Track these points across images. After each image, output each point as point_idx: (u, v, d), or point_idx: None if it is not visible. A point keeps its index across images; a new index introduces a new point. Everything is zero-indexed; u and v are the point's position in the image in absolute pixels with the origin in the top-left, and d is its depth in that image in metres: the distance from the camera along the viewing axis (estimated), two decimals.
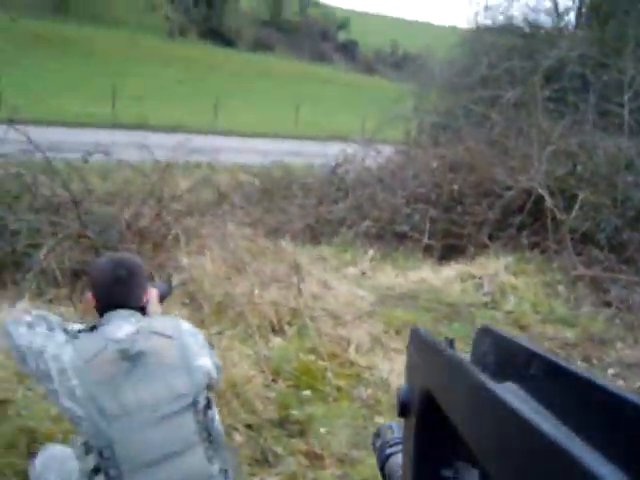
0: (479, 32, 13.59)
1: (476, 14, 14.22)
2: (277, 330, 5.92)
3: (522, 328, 7.02)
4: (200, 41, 32.37)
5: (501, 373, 0.46)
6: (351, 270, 7.78)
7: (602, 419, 0.34)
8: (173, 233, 6.68)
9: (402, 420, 0.58)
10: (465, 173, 9.52)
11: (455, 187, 9.38)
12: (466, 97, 11.17)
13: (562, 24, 13.21)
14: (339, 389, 4.95)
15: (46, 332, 2.43)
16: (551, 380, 0.41)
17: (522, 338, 0.49)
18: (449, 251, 9.01)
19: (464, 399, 0.42)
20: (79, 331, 2.50)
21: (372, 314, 6.53)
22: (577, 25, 12.78)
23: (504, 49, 11.99)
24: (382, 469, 0.74)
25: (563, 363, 0.41)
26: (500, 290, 7.86)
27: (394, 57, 41.58)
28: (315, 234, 9.23)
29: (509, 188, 9.05)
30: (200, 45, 31.81)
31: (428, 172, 9.67)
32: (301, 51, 36.69)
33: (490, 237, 8.98)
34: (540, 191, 8.71)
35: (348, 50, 40.46)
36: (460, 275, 8.17)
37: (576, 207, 8.69)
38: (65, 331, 2.46)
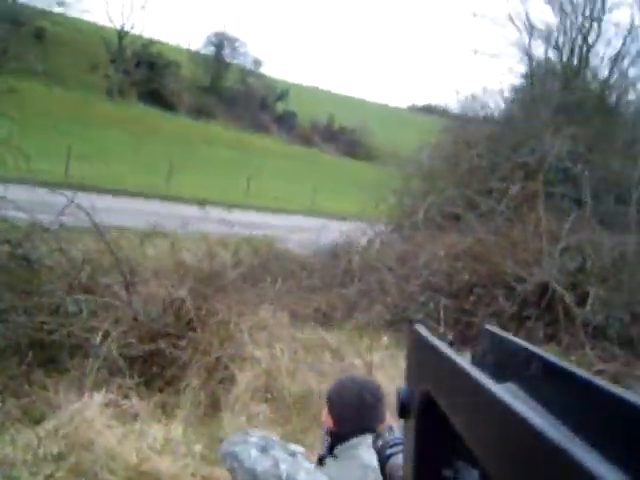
0: (462, 121, 13.97)
1: (460, 102, 14.53)
2: None
3: None
4: (140, 103, 32.18)
5: (501, 373, 0.46)
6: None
7: (602, 419, 0.35)
8: (232, 320, 6.46)
9: (402, 421, 0.58)
10: (476, 263, 9.63)
11: (466, 277, 9.46)
12: (462, 185, 11.36)
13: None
14: None
15: (286, 457, 2.30)
16: (551, 380, 0.41)
17: (521, 339, 0.49)
18: (462, 342, 9.05)
19: (464, 399, 0.42)
20: (321, 457, 2.40)
21: None
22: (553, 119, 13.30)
23: (489, 141, 12.30)
24: (383, 469, 0.75)
25: (563, 363, 0.41)
26: None
27: (330, 130, 42.48)
28: (327, 317, 9.08)
29: (521, 280, 9.21)
30: (140, 107, 31.57)
31: (437, 260, 9.71)
32: (240, 119, 36.94)
33: (504, 328, 9.05)
34: (556, 286, 8.92)
35: (286, 121, 41.02)
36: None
37: (589, 302, 8.92)
38: (292, 454, 2.34)
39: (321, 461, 2.41)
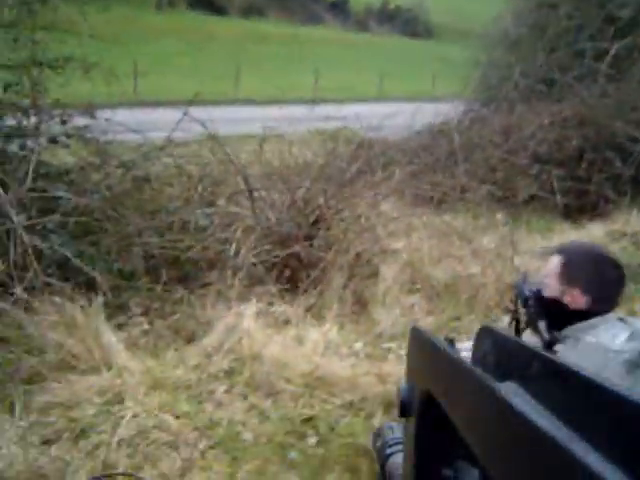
0: None
1: None
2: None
3: None
4: (189, 11, 31.54)
5: (501, 373, 0.46)
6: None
7: (602, 419, 0.34)
8: (362, 214, 6.26)
9: (402, 420, 0.61)
10: (583, 128, 9.20)
11: (574, 143, 9.07)
12: (552, 50, 10.74)
13: None
14: None
15: None
16: (551, 380, 0.41)
17: (522, 339, 0.48)
18: (578, 210, 8.77)
19: (464, 399, 0.43)
20: (550, 341, 2.08)
21: None
22: None
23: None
24: (382, 468, 0.78)
25: (563, 363, 0.40)
26: None
27: (386, 11, 41.11)
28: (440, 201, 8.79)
29: (635, 140, 8.78)
30: (190, 15, 30.94)
31: (542, 129, 9.29)
32: (292, 13, 35.97)
33: (620, 192, 8.77)
34: None
35: (339, 8, 39.80)
36: (610, 234, 8.00)
37: None
38: None
39: (550, 345, 2.08)
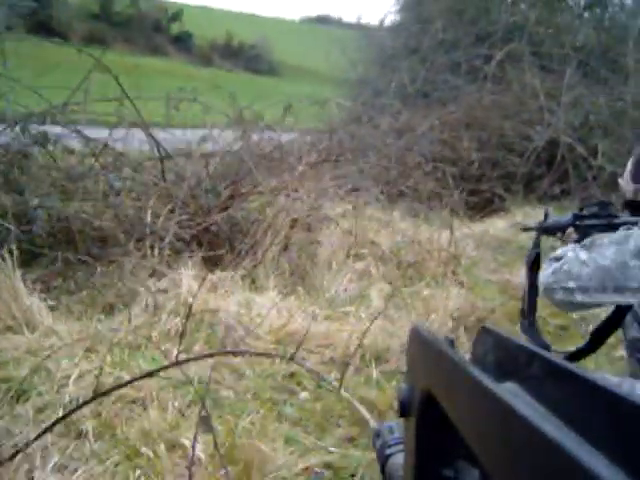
0: None
1: None
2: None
3: None
4: (29, 36, 29.85)
5: (501, 373, 0.46)
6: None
7: (603, 419, 0.34)
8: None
9: (402, 420, 0.55)
10: (474, 129, 9.32)
11: (466, 143, 9.16)
12: (432, 62, 10.96)
13: None
14: None
15: None
16: (551, 380, 0.40)
17: (522, 339, 0.51)
18: (474, 208, 8.82)
19: (464, 399, 0.41)
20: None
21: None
22: None
23: (452, 13, 11.94)
24: (382, 469, 0.72)
25: (563, 363, 0.39)
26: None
27: (229, 47, 41.19)
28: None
29: (527, 140, 9.00)
30: (32, 40, 29.29)
31: (434, 130, 9.31)
32: (135, 44, 35.10)
33: (508, 190, 8.94)
34: (567, 140, 8.74)
35: (183, 42, 39.40)
36: (513, 226, 8.10)
37: (599, 154, 8.81)
38: None
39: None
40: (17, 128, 5.16)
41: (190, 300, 3.97)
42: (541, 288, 2.12)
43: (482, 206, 8.81)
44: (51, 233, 4.79)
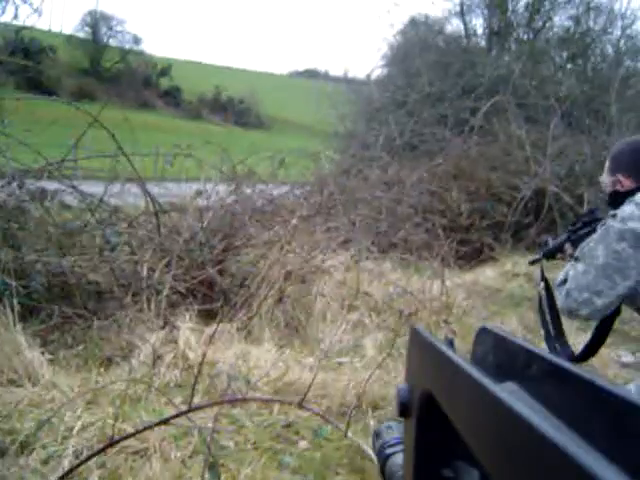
0: (405, 53, 13.76)
1: (398, 33, 14.28)
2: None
3: None
4: (19, 91, 30.09)
5: (501, 373, 0.47)
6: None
7: (602, 419, 0.34)
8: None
9: (402, 420, 0.57)
10: (462, 180, 9.49)
11: (454, 194, 9.31)
12: (416, 115, 11.18)
13: (472, 44, 13.82)
14: None
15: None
16: (551, 380, 0.41)
17: (521, 338, 0.48)
18: (464, 257, 8.92)
19: (464, 399, 0.42)
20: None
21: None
22: (489, 47, 13.40)
23: (438, 67, 12.21)
24: (382, 469, 0.73)
25: (563, 363, 0.40)
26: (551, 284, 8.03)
27: (218, 102, 41.66)
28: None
29: (515, 190, 9.16)
30: (20, 95, 29.49)
31: (423, 181, 9.46)
32: (124, 99, 35.47)
33: (497, 239, 9.06)
34: (554, 189, 8.91)
35: (172, 97, 39.82)
36: (503, 274, 8.21)
37: (585, 202, 8.97)
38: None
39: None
40: (14, 184, 5.24)
41: (188, 352, 4.04)
42: (565, 314, 2.33)
43: (472, 256, 8.91)
44: (48, 288, 4.83)
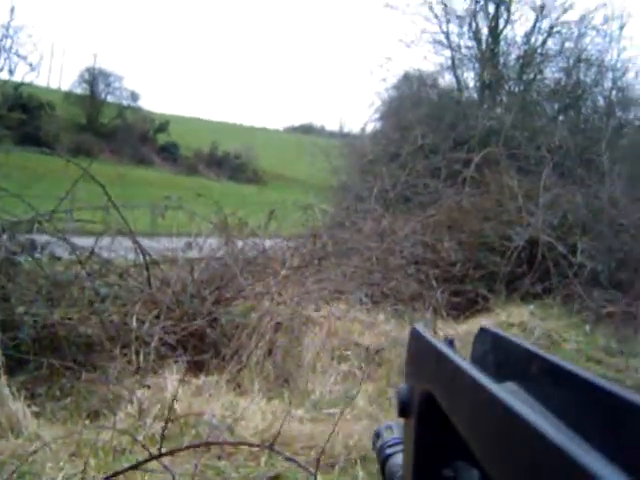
0: (398, 106, 13.96)
1: (388, 89, 14.51)
2: None
3: (596, 362, 7.26)
4: (16, 147, 30.31)
5: (501, 373, 0.47)
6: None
7: (602, 419, 0.35)
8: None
9: (402, 420, 0.57)
10: (454, 231, 9.53)
11: (447, 245, 9.34)
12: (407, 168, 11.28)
13: (464, 97, 14.03)
14: None
15: None
16: (551, 380, 0.41)
17: (521, 339, 0.49)
18: (457, 308, 8.90)
19: (464, 399, 0.42)
20: None
21: None
22: (480, 99, 13.59)
23: (431, 119, 12.37)
24: (382, 469, 0.73)
25: (563, 363, 0.41)
26: (545, 334, 8.07)
27: (214, 157, 42.01)
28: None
29: (508, 240, 9.18)
30: (17, 151, 29.72)
31: (416, 233, 9.50)
32: (121, 155, 35.76)
33: (490, 290, 9.06)
34: (547, 239, 8.94)
35: (169, 152, 40.16)
36: (498, 325, 8.18)
37: (578, 252, 8.99)
38: None
39: None
40: (4, 236, 5.26)
41: (175, 405, 4.00)
42: None
43: (466, 306, 8.88)
44: (37, 339, 4.81)
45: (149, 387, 4.47)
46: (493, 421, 0.36)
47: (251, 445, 3.39)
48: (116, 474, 2.46)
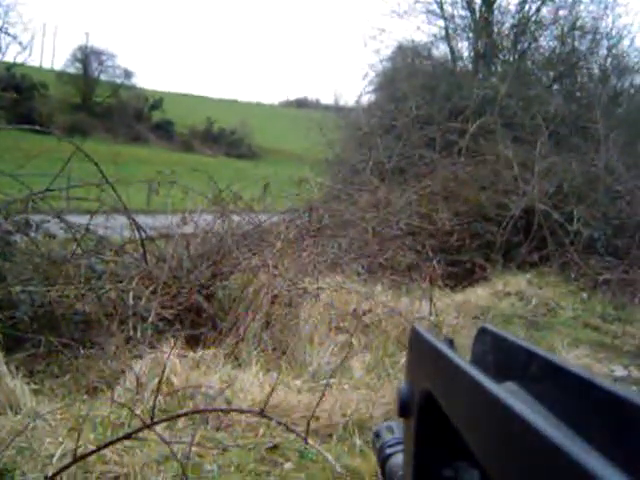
0: (392, 78, 13.89)
1: (382, 60, 14.43)
2: None
3: (593, 328, 7.21)
4: (9, 126, 30.11)
5: (501, 373, 0.47)
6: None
7: (602, 419, 0.34)
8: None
9: (402, 420, 0.57)
10: (450, 201, 9.52)
11: (444, 215, 9.33)
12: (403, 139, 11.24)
13: (458, 67, 13.97)
14: None
15: None
16: (551, 380, 0.41)
17: (521, 338, 0.49)
18: (455, 278, 8.91)
19: (464, 399, 0.42)
20: None
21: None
22: (475, 69, 13.53)
23: (425, 90, 12.31)
24: (382, 469, 0.73)
25: (563, 363, 0.41)
26: (543, 302, 8.09)
27: (210, 133, 41.88)
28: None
29: (504, 209, 9.18)
30: (11, 130, 29.54)
31: (411, 203, 9.49)
32: (116, 133, 35.66)
33: (487, 259, 9.06)
34: (542, 207, 8.94)
35: (164, 130, 40.02)
36: (495, 294, 8.21)
37: (575, 219, 9.00)
38: None
39: None
40: None
41: (173, 378, 4.02)
42: None
43: (463, 276, 8.91)
44: (34, 318, 4.82)
45: (141, 357, 4.48)
46: (493, 421, 0.36)
47: (242, 411, 3.41)
48: (110, 444, 2.48)
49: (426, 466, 0.51)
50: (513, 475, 0.33)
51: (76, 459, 2.34)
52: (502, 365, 0.49)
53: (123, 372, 4.37)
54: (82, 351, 4.67)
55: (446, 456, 0.50)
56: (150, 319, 4.82)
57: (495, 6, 14.24)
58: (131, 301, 5.15)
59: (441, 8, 14.17)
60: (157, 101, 39.85)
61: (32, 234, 5.48)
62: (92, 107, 37.59)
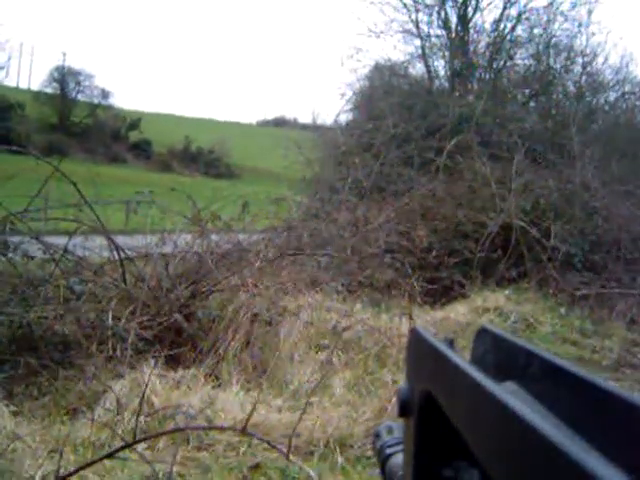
0: (370, 97, 13.97)
1: (362, 80, 14.54)
2: None
3: (572, 343, 7.28)
4: None
5: (501, 373, 0.48)
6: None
7: (602, 419, 0.35)
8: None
9: (402, 420, 0.58)
10: (428, 219, 9.58)
11: (422, 232, 9.37)
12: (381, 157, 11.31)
13: (435, 85, 14.10)
14: None
15: None
16: (551, 380, 0.42)
17: (521, 339, 0.50)
18: (434, 295, 8.95)
19: (464, 399, 0.42)
20: None
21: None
22: (451, 87, 13.66)
23: (402, 109, 12.40)
24: (382, 469, 0.71)
25: (563, 363, 0.41)
26: (521, 318, 8.13)
27: (188, 153, 41.82)
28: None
29: (481, 225, 9.24)
30: None
31: (390, 221, 9.53)
32: (94, 153, 35.52)
33: (466, 276, 9.11)
34: (520, 223, 9.02)
35: (142, 149, 39.92)
36: (474, 310, 8.24)
37: (552, 235, 9.08)
38: None
39: None
40: None
41: (154, 399, 4.01)
42: None
43: (442, 293, 8.95)
44: (13, 339, 4.79)
45: (122, 377, 4.47)
46: (493, 421, 0.36)
47: (223, 429, 3.41)
48: (91, 463, 2.47)
49: (426, 466, 0.51)
50: (513, 475, 0.33)
51: (58, 478, 2.33)
52: (502, 365, 0.49)
53: (104, 392, 4.35)
54: (61, 372, 4.64)
55: (446, 456, 0.51)
56: (129, 339, 4.80)
57: (471, 25, 14.42)
58: (110, 321, 5.13)
59: (417, 27, 14.32)
60: (135, 121, 39.79)
61: (10, 255, 5.45)
62: (70, 127, 37.50)
